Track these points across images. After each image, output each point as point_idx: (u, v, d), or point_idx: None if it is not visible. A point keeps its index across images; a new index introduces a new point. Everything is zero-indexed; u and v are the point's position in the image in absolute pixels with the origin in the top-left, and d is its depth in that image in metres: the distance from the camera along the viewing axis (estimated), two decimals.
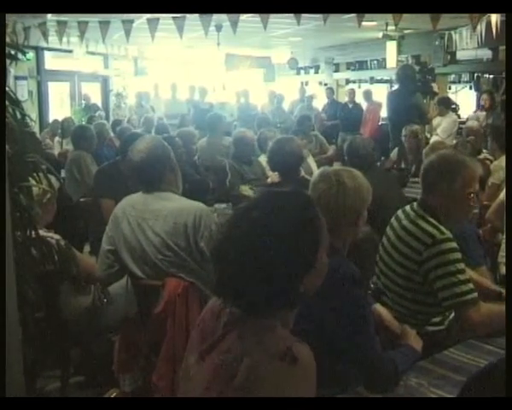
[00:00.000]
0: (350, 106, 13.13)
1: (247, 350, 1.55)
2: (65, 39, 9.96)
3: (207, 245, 3.32)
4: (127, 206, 3.55)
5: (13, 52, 2.86)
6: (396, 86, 9.66)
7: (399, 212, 3.16)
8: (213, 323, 1.70)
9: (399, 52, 13.65)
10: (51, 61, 15.39)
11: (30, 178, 2.83)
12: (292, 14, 7.68)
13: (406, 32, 12.91)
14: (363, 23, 7.84)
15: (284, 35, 13.31)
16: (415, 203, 3.10)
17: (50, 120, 13.22)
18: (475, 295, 2.75)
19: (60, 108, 15.53)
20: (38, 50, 14.45)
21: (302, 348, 1.55)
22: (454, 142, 7.88)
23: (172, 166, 3.61)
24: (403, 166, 7.29)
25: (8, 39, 2.85)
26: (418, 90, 9.23)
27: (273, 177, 6.23)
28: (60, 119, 11.86)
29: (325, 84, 16.37)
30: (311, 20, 10.20)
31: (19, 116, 2.77)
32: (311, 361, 1.55)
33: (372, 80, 16.56)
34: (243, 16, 8.63)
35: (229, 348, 1.59)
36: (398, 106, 8.56)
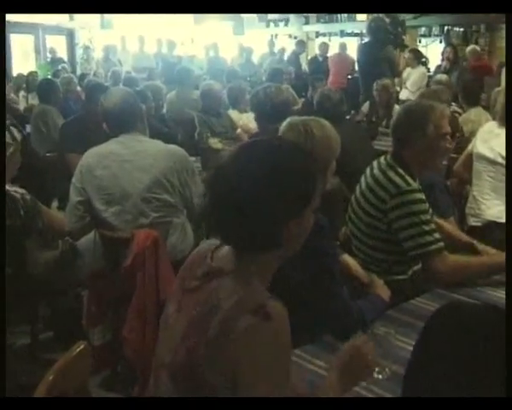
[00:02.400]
0: (320, 59, 13.07)
1: (221, 303, 1.54)
2: None
3: (194, 186, 3.55)
4: (102, 153, 3.54)
5: None
6: (367, 39, 9.61)
7: (374, 162, 3.18)
8: (194, 273, 1.69)
9: None
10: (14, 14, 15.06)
11: None
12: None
13: None
14: None
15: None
16: (388, 155, 3.12)
17: (14, 74, 12.96)
18: (441, 245, 2.79)
19: (24, 62, 15.22)
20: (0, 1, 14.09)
21: (276, 304, 1.54)
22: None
23: (143, 117, 3.69)
24: (374, 119, 7.31)
25: None
26: (389, 43, 9.20)
27: (247, 128, 6.21)
28: (24, 73, 11.65)
29: (295, 38, 16.24)
30: None
31: None
32: (284, 319, 1.54)
33: (342, 34, 16.47)
34: None
35: (205, 299, 1.58)
36: (369, 58, 8.53)
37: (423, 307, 2.58)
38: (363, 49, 9.10)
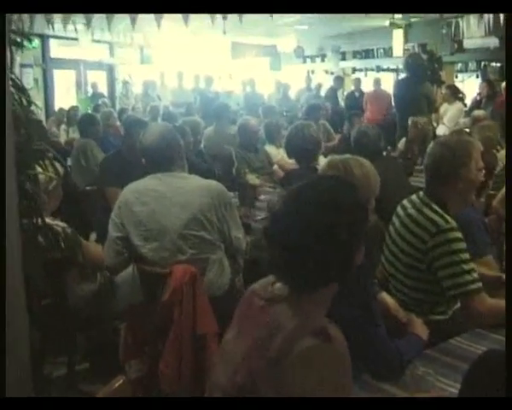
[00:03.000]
0: (356, 95, 13.11)
1: (282, 325, 1.60)
2: (70, 27, 9.97)
3: (231, 221, 3.55)
4: (140, 189, 3.57)
5: (19, 40, 2.86)
6: (404, 75, 9.60)
7: (405, 201, 3.16)
8: (254, 301, 1.77)
9: (406, 40, 13.62)
10: (57, 49, 15.42)
11: (36, 166, 2.83)
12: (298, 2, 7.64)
13: (413, 20, 12.87)
14: None
15: (290, 23, 13.27)
16: (421, 192, 3.10)
17: (56, 108, 13.25)
18: (479, 285, 2.75)
19: (65, 96, 15.55)
20: (44, 38, 14.49)
21: (336, 328, 1.62)
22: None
23: (182, 153, 3.70)
24: (409, 156, 7.27)
25: (13, 26, 2.85)
26: (426, 79, 9.16)
27: (283, 163, 6.23)
28: (65, 107, 11.89)
29: (331, 73, 16.34)
30: None
31: (25, 103, 2.77)
32: (344, 343, 1.61)
33: (378, 69, 16.54)
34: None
35: (267, 323, 1.65)
36: (405, 95, 8.50)
37: (463, 348, 2.53)
38: (400, 85, 9.08)
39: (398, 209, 3.16)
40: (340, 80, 14.34)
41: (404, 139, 7.68)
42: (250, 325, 1.72)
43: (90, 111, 11.26)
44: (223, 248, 3.61)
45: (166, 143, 3.59)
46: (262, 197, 5.47)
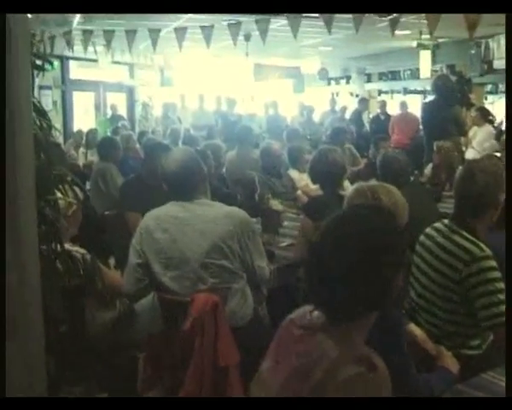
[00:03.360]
0: (382, 118, 13.11)
1: (325, 353, 1.64)
2: (90, 48, 10.13)
3: (255, 249, 3.54)
4: (161, 215, 3.58)
5: (39, 62, 2.91)
6: (432, 97, 9.55)
7: (429, 230, 3.13)
8: (292, 330, 1.81)
9: (434, 62, 13.56)
10: (76, 71, 15.63)
11: (56, 191, 2.86)
12: (322, 23, 7.69)
13: (441, 40, 12.83)
14: (397, 32, 7.84)
15: (314, 45, 13.34)
16: (446, 219, 3.07)
17: (74, 130, 13.38)
18: None
19: (84, 118, 15.74)
20: (63, 60, 14.71)
21: (378, 357, 1.66)
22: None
23: (205, 180, 3.71)
24: (437, 181, 7.23)
25: (34, 49, 2.90)
26: (455, 101, 9.11)
27: (307, 189, 6.23)
28: (84, 129, 12.01)
29: (356, 96, 16.36)
30: (342, 29, 10.20)
31: (45, 127, 2.81)
32: (386, 372, 1.65)
33: (405, 91, 16.53)
34: (273, 25, 8.68)
35: (308, 350, 1.69)
36: (434, 118, 8.44)
37: (495, 383, 2.48)
38: (428, 108, 9.01)
39: (423, 239, 3.13)
40: (365, 103, 14.36)
41: (430, 164, 7.63)
42: (288, 354, 1.75)
43: (108, 133, 11.37)
44: (245, 277, 3.59)
45: (189, 169, 3.59)
46: (286, 224, 5.46)
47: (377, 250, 1.70)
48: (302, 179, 6.76)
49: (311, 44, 13.31)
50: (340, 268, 1.67)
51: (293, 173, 6.94)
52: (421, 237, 3.14)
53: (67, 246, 3.14)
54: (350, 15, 7.35)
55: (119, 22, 9.34)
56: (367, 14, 7.13)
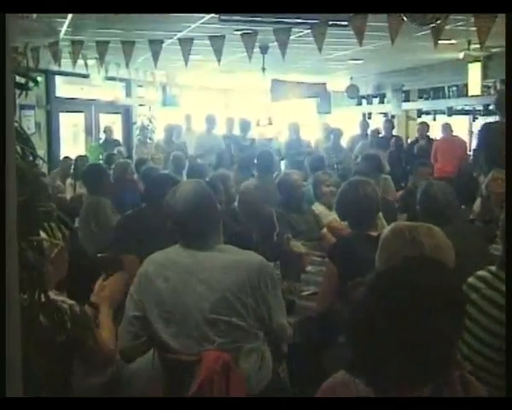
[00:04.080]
0: (422, 143, 13.11)
1: None
2: (80, 62, 10.18)
3: (274, 303, 3.48)
4: (163, 261, 3.58)
5: (21, 80, 2.93)
6: (491, 118, 9.47)
7: (473, 280, 3.11)
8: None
9: (485, 76, 13.46)
10: (63, 88, 15.72)
11: (40, 230, 2.87)
12: (351, 33, 7.74)
13: (494, 50, 12.75)
14: (440, 41, 7.86)
15: (342, 57, 13.40)
16: (493, 267, 3.05)
17: (61, 157, 13.37)
18: None
19: (73, 143, 15.84)
20: (48, 75, 14.63)
21: None
22: None
23: (218, 219, 3.70)
24: (488, 218, 7.18)
25: (16, 64, 2.93)
26: None
27: (335, 226, 6.21)
28: (72, 156, 12.06)
29: (392, 117, 16.38)
30: (375, 40, 10.25)
31: (29, 157, 2.82)
32: None
33: (450, 111, 16.46)
34: (294, 35, 8.75)
35: None
36: (493, 143, 8.32)
37: None
38: (489, 131, 8.82)
39: (475, 281, 3.11)
40: (389, 124, 14.46)
41: (479, 199, 7.58)
42: None
43: (101, 161, 11.43)
44: (261, 335, 3.54)
45: (202, 209, 3.59)
46: (309, 268, 5.46)
47: (436, 309, 1.69)
48: (329, 216, 6.76)
49: (339, 57, 13.36)
50: (391, 331, 1.66)
51: (318, 209, 6.95)
52: (473, 280, 3.13)
53: (52, 295, 3.14)
54: (384, 23, 7.38)
55: (114, 32, 9.35)
56: (405, 22, 7.15)
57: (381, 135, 14.49)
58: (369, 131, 14.64)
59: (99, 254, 6.08)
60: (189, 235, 3.57)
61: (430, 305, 1.68)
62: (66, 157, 12.56)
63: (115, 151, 12.63)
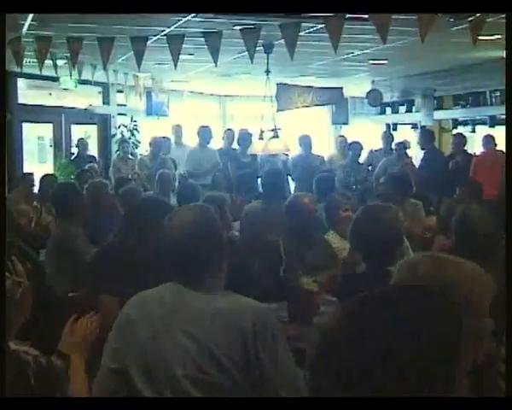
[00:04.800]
0: (458, 159, 13.09)
1: None
2: (48, 62, 10.12)
3: (270, 357, 3.34)
4: (146, 303, 3.56)
5: None
6: None
7: None
8: None
9: None
10: (27, 94, 15.72)
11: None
12: (373, 27, 7.74)
13: None
14: (480, 37, 7.87)
15: (362, 58, 13.43)
16: None
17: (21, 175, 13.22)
18: None
19: (38, 160, 15.82)
20: (9, 77, 14.62)
21: None
22: None
23: (222, 248, 3.66)
24: None
25: None
26: None
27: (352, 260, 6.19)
28: (37, 175, 11.97)
29: (422, 127, 16.38)
30: (402, 36, 10.27)
31: None
32: None
33: (493, 121, 16.33)
34: (304, 31, 8.77)
35: None
36: None
37: None
38: None
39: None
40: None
41: None
42: None
43: (72, 180, 11.40)
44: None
45: (203, 239, 3.55)
46: (322, 309, 5.45)
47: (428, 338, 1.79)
48: (346, 247, 6.73)
49: (358, 57, 13.39)
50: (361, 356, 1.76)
51: (333, 238, 6.94)
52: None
53: (13, 345, 3.13)
54: (413, 16, 7.41)
55: (89, 26, 9.29)
56: (437, 16, 7.19)
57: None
58: (393, 146, 14.61)
59: (70, 294, 6.07)
60: (178, 269, 3.55)
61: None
62: (26, 173, 12.46)
63: (87, 167, 12.58)
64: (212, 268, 3.58)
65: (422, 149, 14.04)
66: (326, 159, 14.44)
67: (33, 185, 11.51)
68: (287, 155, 13.79)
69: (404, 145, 14.43)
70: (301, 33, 8.57)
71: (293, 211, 6.78)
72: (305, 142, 14.01)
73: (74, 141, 15.98)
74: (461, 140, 13.60)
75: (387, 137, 15.12)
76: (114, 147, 16.83)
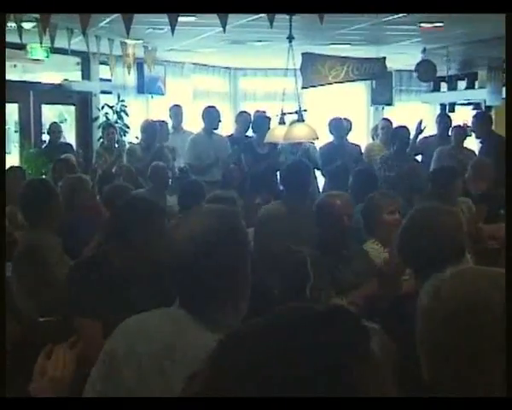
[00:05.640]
0: None
1: None
2: (11, 25, 10.12)
3: None
4: (139, 335, 3.57)
5: None
6: None
7: None
8: None
9: None
10: None
11: None
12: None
13: None
14: None
15: (410, 20, 13.42)
16: None
17: None
18: None
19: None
20: None
21: None
22: None
23: (244, 268, 3.54)
24: None
25: None
26: None
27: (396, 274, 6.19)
28: None
29: (487, 108, 16.35)
30: None
31: None
32: None
33: None
34: None
35: None
36: None
37: None
38: None
39: None
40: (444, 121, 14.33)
41: None
42: None
43: (45, 176, 11.42)
44: None
45: (227, 258, 3.41)
46: None
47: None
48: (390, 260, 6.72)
49: (404, 20, 13.36)
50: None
51: (373, 249, 6.93)
52: None
53: None
54: None
55: None
56: None
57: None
58: (450, 131, 14.54)
59: (42, 319, 6.11)
60: (186, 293, 3.50)
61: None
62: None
63: (62, 157, 12.52)
64: (227, 295, 3.47)
65: (478, 138, 14.04)
66: (364, 149, 14.46)
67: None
68: (313, 143, 13.74)
69: (465, 131, 14.35)
70: None
71: (323, 215, 6.75)
72: (338, 127, 14.01)
73: (46, 126, 15.96)
74: None
75: (444, 120, 15.05)
76: (97, 133, 16.82)
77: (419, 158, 13.89)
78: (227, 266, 3.42)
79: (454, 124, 14.84)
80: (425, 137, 14.67)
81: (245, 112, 14.87)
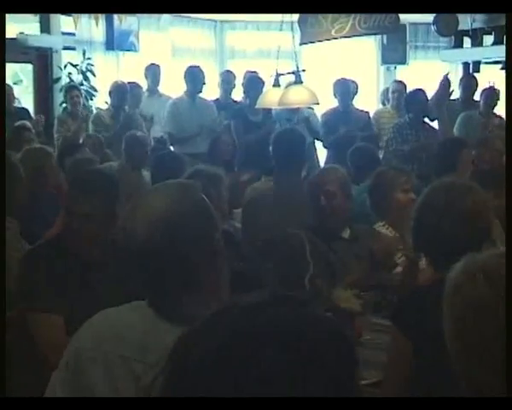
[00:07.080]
0: None
1: None
2: None
3: None
4: (108, 334, 3.58)
5: None
6: None
7: None
8: None
9: None
10: None
11: None
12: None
13: None
14: None
15: None
16: None
17: None
18: None
19: None
20: None
21: None
22: None
23: (216, 255, 3.50)
24: None
25: None
26: None
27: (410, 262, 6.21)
28: None
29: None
30: None
31: None
32: None
33: None
34: None
35: None
36: None
37: None
38: None
39: None
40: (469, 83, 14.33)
41: None
42: None
43: None
44: None
45: (189, 244, 3.34)
46: (367, 338, 5.51)
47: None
48: (401, 245, 6.73)
49: None
50: None
51: (383, 233, 6.94)
52: None
53: None
54: None
55: None
56: None
57: None
58: (476, 96, 14.54)
59: None
60: (154, 293, 3.50)
61: None
62: None
63: (19, 123, 12.52)
64: (198, 287, 3.40)
65: None
66: (373, 115, 14.48)
67: None
68: (313, 109, 13.72)
69: (497, 94, 14.30)
70: None
71: (320, 192, 6.75)
72: (343, 90, 14.04)
73: None
74: None
75: (469, 81, 15.05)
76: (59, 97, 16.83)
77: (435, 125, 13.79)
78: (192, 253, 3.34)
79: (482, 87, 14.80)
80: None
81: (228, 71, 14.87)
